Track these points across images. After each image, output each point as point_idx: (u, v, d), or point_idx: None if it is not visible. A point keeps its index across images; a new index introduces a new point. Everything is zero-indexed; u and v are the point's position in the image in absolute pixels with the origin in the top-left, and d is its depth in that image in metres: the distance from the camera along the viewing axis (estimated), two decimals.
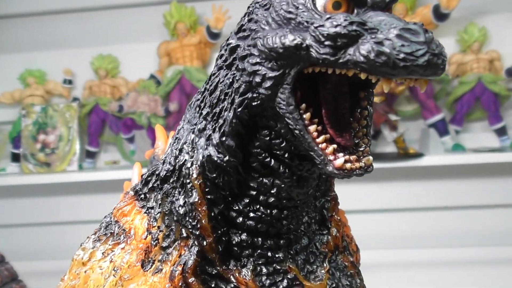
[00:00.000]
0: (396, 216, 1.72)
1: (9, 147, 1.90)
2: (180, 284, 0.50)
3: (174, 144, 0.55)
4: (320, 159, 0.46)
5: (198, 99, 0.55)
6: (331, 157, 0.45)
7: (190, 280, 0.49)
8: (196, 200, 0.50)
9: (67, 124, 1.84)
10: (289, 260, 0.53)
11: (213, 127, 0.51)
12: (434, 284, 1.49)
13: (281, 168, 0.50)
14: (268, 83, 0.46)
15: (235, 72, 0.50)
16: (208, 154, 0.50)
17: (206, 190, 0.50)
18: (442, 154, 1.61)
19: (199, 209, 0.50)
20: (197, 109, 0.54)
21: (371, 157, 0.47)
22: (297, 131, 0.46)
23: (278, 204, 0.52)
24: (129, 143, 1.85)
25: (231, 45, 0.51)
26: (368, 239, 1.71)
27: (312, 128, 0.46)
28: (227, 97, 0.50)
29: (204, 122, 0.52)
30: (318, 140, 0.46)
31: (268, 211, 0.52)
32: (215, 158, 0.50)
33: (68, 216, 1.88)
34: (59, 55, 1.92)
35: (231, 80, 0.50)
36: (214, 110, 0.51)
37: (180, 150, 0.53)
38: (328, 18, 0.43)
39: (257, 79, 0.47)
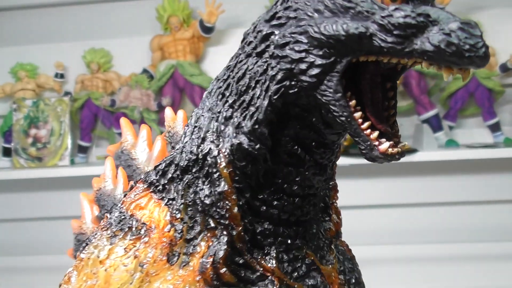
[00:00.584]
0: (390, 212, 1.72)
1: (0, 141, 1.88)
2: (211, 275, 0.49)
3: (195, 133, 0.54)
4: (366, 144, 0.47)
5: (220, 87, 0.55)
6: (376, 143, 0.47)
7: (221, 271, 0.49)
8: (226, 189, 0.50)
9: (58, 119, 1.82)
10: (305, 246, 0.55)
11: (243, 115, 0.51)
12: (427, 279, 1.49)
13: (307, 156, 0.52)
14: (315, 71, 0.47)
15: (268, 59, 0.50)
16: (238, 142, 0.50)
17: (236, 179, 0.51)
18: (435, 150, 1.61)
19: (229, 198, 0.50)
20: (220, 97, 0.54)
21: (406, 143, 0.50)
22: (343, 118, 0.47)
23: (300, 191, 0.53)
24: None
25: (263, 33, 0.51)
26: (362, 235, 1.70)
27: (357, 115, 0.48)
28: (258, 85, 0.50)
29: (230, 110, 0.52)
30: (363, 126, 0.48)
31: (291, 199, 0.53)
32: (246, 146, 0.50)
33: (60, 211, 1.86)
34: (50, 48, 1.90)
35: (264, 67, 0.50)
36: (242, 98, 0.52)
37: (203, 139, 0.53)
38: (396, 9, 0.44)
39: (303, 66, 0.47)
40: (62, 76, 1.88)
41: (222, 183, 0.50)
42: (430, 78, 1.67)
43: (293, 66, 0.48)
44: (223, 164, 0.50)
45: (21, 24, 1.91)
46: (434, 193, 1.69)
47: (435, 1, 0.50)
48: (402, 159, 1.57)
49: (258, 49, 0.51)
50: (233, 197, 0.50)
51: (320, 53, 0.47)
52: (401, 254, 1.65)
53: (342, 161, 1.58)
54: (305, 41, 0.47)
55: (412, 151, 1.56)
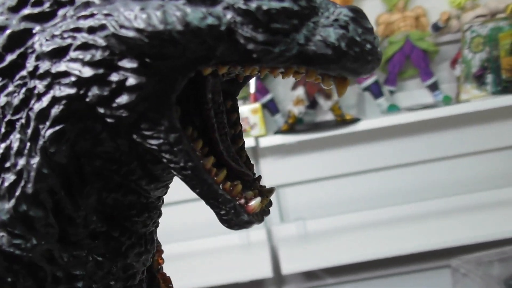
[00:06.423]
0: (341, 182, 1.73)
1: None
2: None
3: None
4: (229, 207, 0.30)
5: None
6: (242, 201, 0.31)
7: None
8: None
9: None
10: None
11: None
12: (381, 243, 1.52)
13: (123, 232, 0.33)
14: (127, 98, 0.27)
15: (28, 80, 0.29)
16: None
17: None
18: (378, 117, 1.62)
19: None
20: None
21: (273, 187, 0.35)
22: (187, 172, 0.29)
23: (120, 287, 0.35)
24: None
25: (8, 31, 0.30)
26: (316, 208, 1.72)
27: (208, 162, 0.30)
28: (14, 131, 0.29)
29: None
30: (217, 178, 0.30)
31: None
32: (9, 249, 0.29)
33: None
34: None
35: (22, 96, 0.29)
36: None
37: None
38: None
39: (103, 91, 0.27)
40: None
41: None
42: None
43: (82, 92, 0.28)
44: None
45: None
46: (380, 159, 1.71)
47: None
48: (346, 129, 1.55)
49: (4, 63, 0.30)
50: None
51: (135, 65, 0.27)
52: (357, 221, 1.67)
53: (288, 139, 1.57)
54: (103, 44, 0.27)
55: (354, 120, 1.57)
